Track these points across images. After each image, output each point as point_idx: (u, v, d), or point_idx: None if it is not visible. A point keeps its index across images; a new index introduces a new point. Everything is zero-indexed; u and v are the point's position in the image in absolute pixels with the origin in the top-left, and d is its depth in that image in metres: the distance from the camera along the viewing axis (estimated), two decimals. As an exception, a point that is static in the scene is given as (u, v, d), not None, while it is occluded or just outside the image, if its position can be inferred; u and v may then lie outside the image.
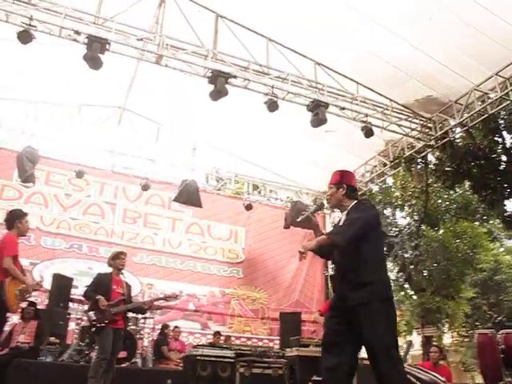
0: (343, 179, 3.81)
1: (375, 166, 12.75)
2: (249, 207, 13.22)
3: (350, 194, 3.74)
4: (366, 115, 9.97)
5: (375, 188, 16.18)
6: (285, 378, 7.60)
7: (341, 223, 3.64)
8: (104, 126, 11.95)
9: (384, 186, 16.91)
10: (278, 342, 11.53)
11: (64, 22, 7.73)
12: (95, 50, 7.57)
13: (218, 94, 8.54)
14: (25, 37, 7.31)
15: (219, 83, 8.47)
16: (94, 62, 7.68)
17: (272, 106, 9.03)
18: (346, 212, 3.69)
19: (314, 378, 7.40)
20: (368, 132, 9.88)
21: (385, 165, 12.40)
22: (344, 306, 3.37)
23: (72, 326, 8.76)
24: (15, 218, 5.56)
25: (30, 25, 7.37)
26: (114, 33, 8.06)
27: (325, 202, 3.79)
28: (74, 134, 11.66)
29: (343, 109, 9.93)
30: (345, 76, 10.02)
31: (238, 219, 13.72)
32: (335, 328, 3.44)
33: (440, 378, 6.99)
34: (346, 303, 3.36)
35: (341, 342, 3.38)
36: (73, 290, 9.54)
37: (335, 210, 3.91)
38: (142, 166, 12.71)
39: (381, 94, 10.35)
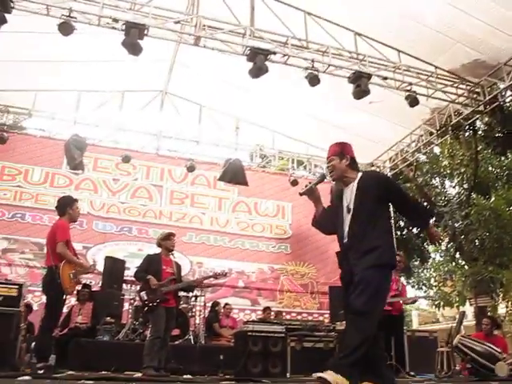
0: (344, 150, 3.63)
1: (421, 136, 12.44)
2: (294, 183, 13.18)
3: (354, 166, 3.58)
4: (410, 84, 9.71)
5: (422, 158, 15.82)
6: (336, 351, 7.66)
7: (348, 199, 3.45)
8: (147, 110, 12.12)
9: (431, 155, 16.50)
10: (327, 315, 11.55)
11: (102, 10, 7.85)
12: (133, 36, 7.66)
13: (257, 71, 8.50)
14: (66, 28, 7.47)
15: (258, 60, 8.42)
16: (133, 47, 7.77)
17: (313, 80, 8.91)
18: (353, 185, 3.50)
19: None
20: (412, 101, 9.64)
21: (431, 134, 12.08)
22: (347, 277, 3.31)
23: (126, 306, 9.05)
24: (66, 205, 5.78)
25: (69, 16, 7.51)
26: (151, 17, 8.12)
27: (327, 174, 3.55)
28: (119, 119, 11.89)
29: (386, 78, 9.70)
30: (386, 45, 9.76)
31: (284, 195, 13.74)
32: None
33: (495, 348, 6.91)
34: (351, 274, 3.26)
35: None
36: (125, 272, 9.82)
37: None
38: (186, 148, 12.88)
39: (425, 61, 10.03)
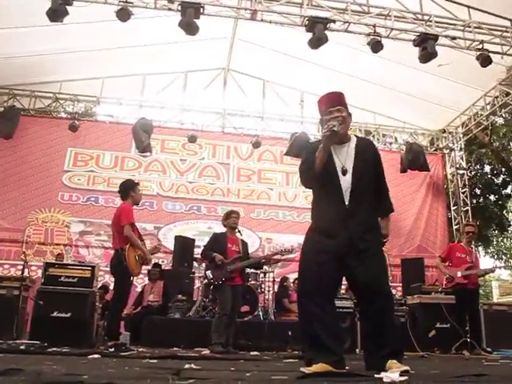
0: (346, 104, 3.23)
1: (496, 97, 11.70)
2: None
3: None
4: (482, 42, 9.11)
5: (499, 120, 14.91)
6: (407, 325, 7.50)
7: (343, 161, 3.08)
8: (210, 88, 12.18)
9: (509, 115, 15.50)
10: (400, 288, 11.30)
11: (157, -7, 7.90)
12: (189, 15, 7.66)
13: (317, 41, 8.27)
14: (123, 14, 7.59)
15: (317, 30, 8.19)
16: (189, 27, 7.77)
17: (376, 46, 8.57)
18: (349, 146, 3.14)
19: (437, 325, 7.23)
20: (484, 60, 9.02)
21: (507, 94, 11.34)
22: (345, 247, 2.97)
23: (197, 283, 9.26)
24: (129, 189, 5.93)
25: (126, 2, 7.60)
26: (207, -5, 8.07)
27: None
28: (183, 100, 12.04)
29: (454, 38, 9.16)
30: (454, 1, 9.19)
31: (353, 167, 13.44)
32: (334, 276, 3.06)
33: None
34: (353, 245, 2.96)
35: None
36: (196, 250, 10.03)
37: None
38: (251, 124, 12.87)
39: (498, 16, 9.36)
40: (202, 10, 7.88)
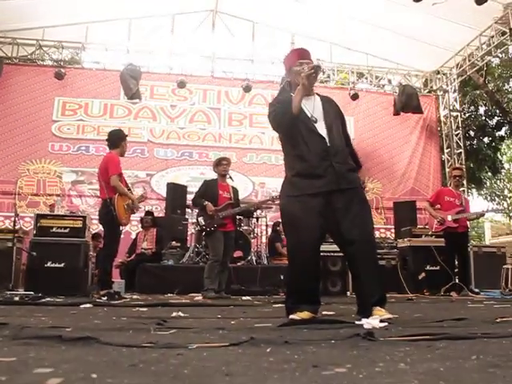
0: None
1: (492, 37, 11.41)
2: (355, 97, 12.70)
3: None
4: (478, -22, 8.84)
5: (494, 61, 14.65)
6: (398, 268, 7.64)
7: (311, 110, 3.10)
8: (199, 32, 11.86)
9: (505, 57, 15.23)
10: (393, 231, 11.43)
11: None
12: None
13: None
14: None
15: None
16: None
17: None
18: (314, 98, 3.19)
19: (427, 267, 7.36)
20: (480, -2, 8.81)
21: (504, 34, 11.06)
22: (333, 184, 2.96)
23: (191, 230, 9.33)
24: (120, 139, 5.87)
25: None
26: None
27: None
28: (171, 44, 11.73)
29: (449, -24, 8.89)
30: None
31: (346, 109, 13.14)
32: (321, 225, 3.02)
33: None
34: (337, 183, 2.97)
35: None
36: (188, 196, 10.05)
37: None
38: (241, 68, 12.62)
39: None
40: None
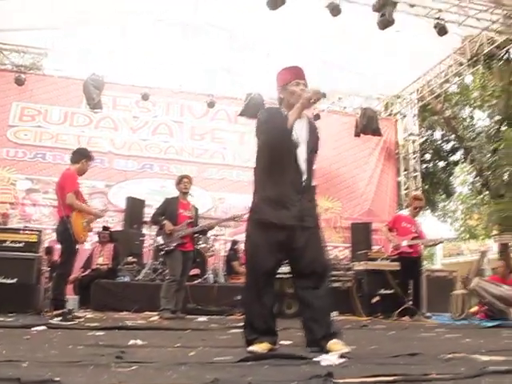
0: None
1: (451, 66, 11.89)
2: (317, 117, 12.88)
3: None
4: (439, 10, 9.17)
5: (452, 88, 15.18)
6: (353, 290, 7.75)
7: (298, 132, 3.05)
8: (167, 44, 11.74)
9: (462, 84, 15.83)
10: (348, 251, 11.61)
11: None
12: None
13: (276, 2, 8.22)
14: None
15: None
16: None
17: (335, 9, 8.56)
18: (305, 120, 3.18)
19: (381, 291, 7.49)
20: (441, 30, 9.16)
21: (461, 64, 11.53)
22: (296, 220, 2.96)
23: (148, 245, 9.21)
24: (83, 156, 5.75)
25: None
26: None
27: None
28: (136, 56, 11.58)
29: (413, 6, 9.18)
30: (414, -33, 9.16)
31: (310, 128, 13.44)
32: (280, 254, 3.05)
33: (512, 290, 6.86)
34: (302, 220, 2.97)
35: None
36: (147, 210, 9.95)
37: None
38: (206, 83, 12.56)
39: (456, -16, 9.42)
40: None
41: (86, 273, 7.85)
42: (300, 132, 3.09)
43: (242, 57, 11.90)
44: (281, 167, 3.04)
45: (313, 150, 3.17)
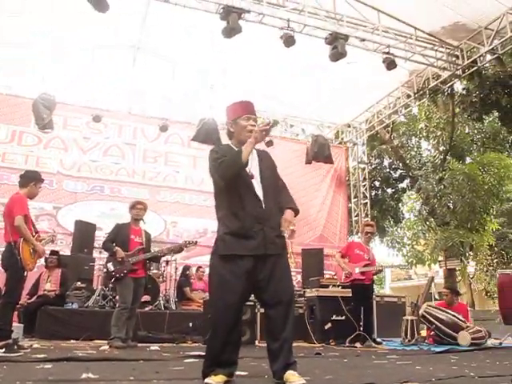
0: None
1: (399, 98, 12.38)
2: (269, 143, 13.00)
3: None
4: (388, 46, 9.55)
5: (400, 119, 15.76)
6: (305, 317, 7.76)
7: (249, 165, 3.10)
8: (119, 66, 11.64)
9: (408, 116, 16.46)
10: (300, 276, 11.66)
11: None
12: (100, -9, 7.29)
13: (231, 31, 8.24)
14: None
15: (232, 20, 8.15)
16: (98, 3, 7.46)
17: (289, 40, 8.69)
18: (256, 156, 3.24)
19: (333, 317, 7.54)
20: (390, 64, 9.52)
21: (409, 96, 12.02)
22: (260, 249, 3.01)
23: (98, 271, 8.95)
24: (32, 179, 5.54)
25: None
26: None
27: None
28: (89, 76, 11.41)
29: (364, 40, 9.51)
30: (365, 4, 9.52)
31: (260, 154, 13.52)
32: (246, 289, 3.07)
33: (459, 317, 7.07)
34: (266, 248, 3.02)
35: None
36: (97, 233, 9.71)
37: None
38: (159, 107, 12.51)
39: (404, 22, 9.85)
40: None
41: (33, 299, 7.53)
42: (251, 165, 3.14)
43: (191, 83, 11.95)
44: (239, 200, 3.09)
45: (269, 176, 3.24)
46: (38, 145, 11.38)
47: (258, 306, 7.26)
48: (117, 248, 6.11)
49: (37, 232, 5.51)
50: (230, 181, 3.08)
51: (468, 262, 14.58)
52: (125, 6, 9.29)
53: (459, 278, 15.38)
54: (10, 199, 5.45)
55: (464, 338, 6.62)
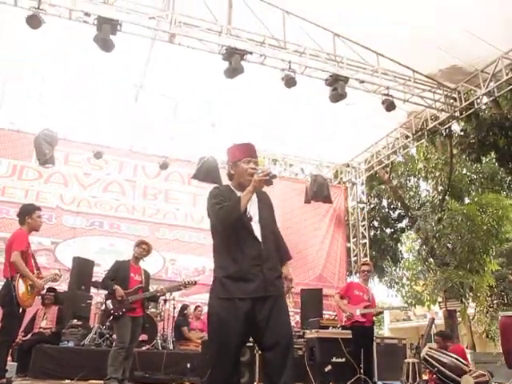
0: None
1: (397, 139, 12.51)
2: (269, 182, 13.02)
3: None
4: (387, 88, 9.70)
5: (398, 159, 15.89)
6: (304, 359, 7.62)
7: (248, 207, 3.07)
8: (121, 104, 11.78)
9: (407, 156, 16.60)
10: (298, 317, 11.52)
11: (74, 3, 7.57)
12: (105, 31, 7.44)
13: (233, 71, 8.36)
14: (34, 21, 7.18)
15: (234, 60, 8.28)
16: (105, 43, 7.55)
17: (289, 81, 8.81)
18: (255, 197, 3.18)
19: (333, 359, 7.40)
20: (389, 105, 9.63)
21: (407, 137, 12.15)
22: (260, 292, 2.97)
23: (95, 309, 8.82)
24: (25, 214, 5.51)
25: (39, 8, 7.22)
26: (126, 12, 7.89)
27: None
28: (91, 113, 11.53)
29: (363, 82, 9.67)
30: (365, 47, 9.74)
31: (260, 193, 13.53)
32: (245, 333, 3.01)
33: (461, 360, 6.95)
34: (265, 290, 2.98)
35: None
36: (95, 269, 9.61)
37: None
38: (160, 145, 12.60)
39: (403, 65, 10.05)
40: (119, 26, 7.69)
41: (28, 337, 7.38)
42: (250, 206, 3.12)
43: (192, 122, 12.07)
44: (237, 243, 3.06)
45: (267, 217, 3.24)
46: (39, 179, 11.44)
47: (257, 348, 7.12)
48: (116, 286, 6.04)
49: (38, 269, 5.44)
50: (228, 227, 3.07)
51: (468, 303, 14.42)
52: (129, 46, 9.46)
53: (459, 319, 15.17)
54: (12, 235, 5.44)
55: (467, 383, 6.48)
